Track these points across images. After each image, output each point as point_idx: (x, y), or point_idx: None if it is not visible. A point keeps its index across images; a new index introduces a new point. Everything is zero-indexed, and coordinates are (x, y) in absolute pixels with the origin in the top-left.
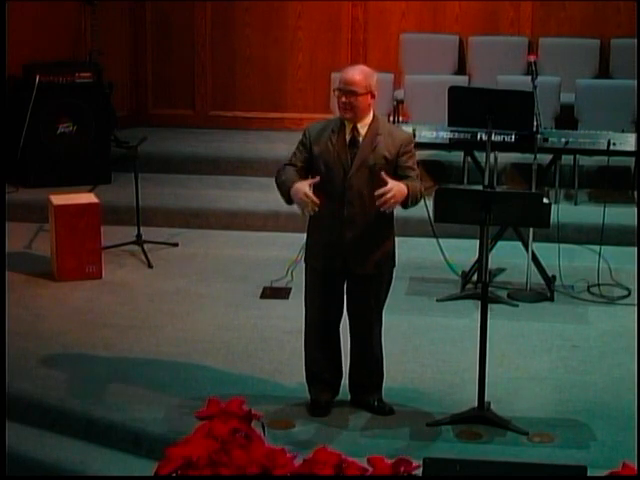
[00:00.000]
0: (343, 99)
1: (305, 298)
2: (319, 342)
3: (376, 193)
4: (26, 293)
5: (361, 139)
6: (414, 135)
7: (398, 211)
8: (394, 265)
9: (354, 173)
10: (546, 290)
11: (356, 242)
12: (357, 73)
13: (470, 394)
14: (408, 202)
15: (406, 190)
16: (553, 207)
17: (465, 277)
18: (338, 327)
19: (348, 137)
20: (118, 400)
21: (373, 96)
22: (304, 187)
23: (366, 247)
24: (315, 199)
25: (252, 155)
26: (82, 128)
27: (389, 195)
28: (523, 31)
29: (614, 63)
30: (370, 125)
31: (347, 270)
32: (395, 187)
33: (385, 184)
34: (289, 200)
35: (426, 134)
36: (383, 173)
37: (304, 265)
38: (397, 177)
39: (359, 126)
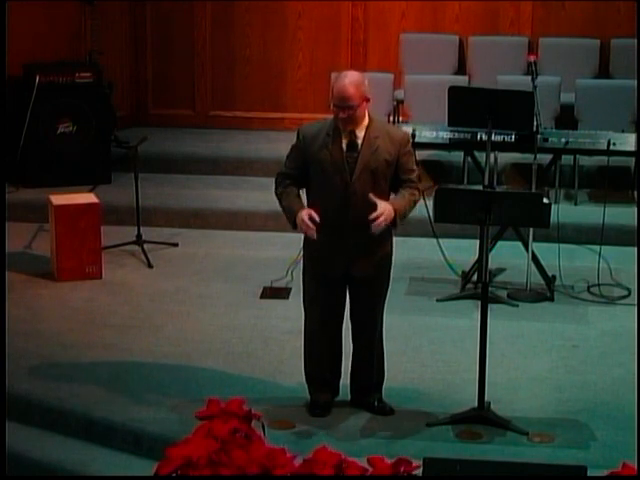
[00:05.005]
0: (341, 114)
1: (304, 301)
2: (320, 344)
3: (370, 217)
4: (26, 293)
5: (360, 142)
6: (414, 135)
7: None
8: (391, 264)
9: (357, 178)
10: (546, 290)
11: (359, 246)
12: (349, 86)
13: (470, 394)
14: (397, 222)
15: (394, 212)
16: (553, 207)
17: (465, 277)
18: (340, 329)
19: (346, 141)
20: (118, 400)
21: (367, 100)
22: (304, 216)
23: (369, 250)
24: (312, 227)
25: (252, 155)
26: (82, 128)
27: (381, 219)
28: (523, 31)
29: (614, 63)
30: (367, 127)
31: (349, 273)
32: (385, 211)
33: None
34: (294, 225)
35: (426, 134)
36: (371, 195)
37: (302, 268)
38: (397, 179)
39: (357, 130)
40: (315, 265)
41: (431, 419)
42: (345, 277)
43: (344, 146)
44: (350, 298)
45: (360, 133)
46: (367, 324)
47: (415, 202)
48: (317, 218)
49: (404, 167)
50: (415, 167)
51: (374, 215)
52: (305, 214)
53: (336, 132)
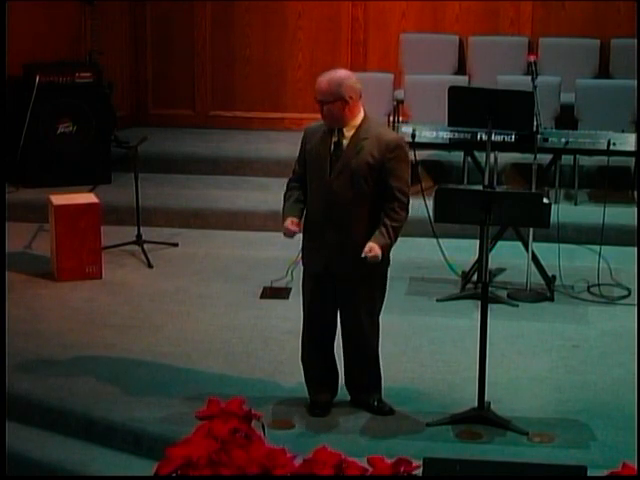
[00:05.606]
0: (319, 107)
1: (302, 299)
2: (312, 343)
3: (362, 256)
4: (26, 293)
5: (346, 142)
6: (414, 135)
7: None
8: (388, 265)
9: (336, 177)
10: (546, 290)
11: (339, 244)
12: (324, 81)
13: (470, 394)
14: (386, 253)
15: (380, 250)
16: (553, 207)
17: (465, 277)
18: (332, 329)
19: (334, 140)
20: (118, 400)
21: (346, 102)
22: (288, 225)
23: (351, 249)
24: (294, 230)
25: (252, 155)
26: (82, 128)
27: (372, 255)
28: (523, 31)
29: (614, 63)
30: (358, 128)
31: (332, 272)
32: (372, 250)
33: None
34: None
35: (426, 134)
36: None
37: (302, 266)
38: (386, 184)
39: (345, 130)
40: (306, 262)
41: (431, 419)
42: (332, 275)
43: (332, 145)
44: (338, 297)
45: (348, 133)
46: (353, 325)
47: (400, 226)
48: (293, 228)
49: (390, 173)
50: (407, 175)
51: (364, 253)
52: (288, 224)
53: (329, 131)
